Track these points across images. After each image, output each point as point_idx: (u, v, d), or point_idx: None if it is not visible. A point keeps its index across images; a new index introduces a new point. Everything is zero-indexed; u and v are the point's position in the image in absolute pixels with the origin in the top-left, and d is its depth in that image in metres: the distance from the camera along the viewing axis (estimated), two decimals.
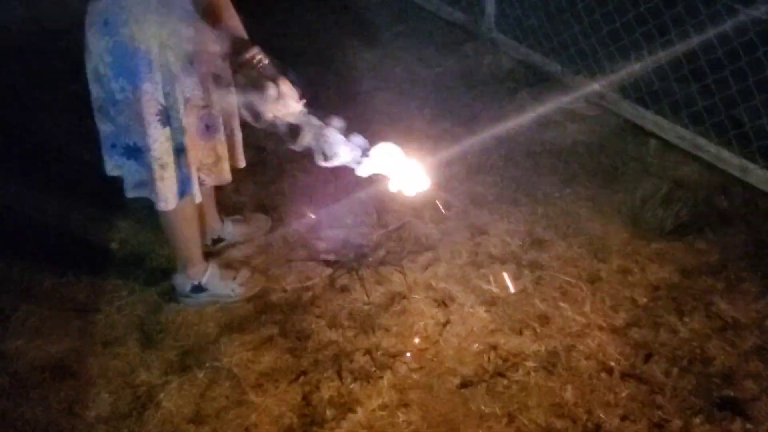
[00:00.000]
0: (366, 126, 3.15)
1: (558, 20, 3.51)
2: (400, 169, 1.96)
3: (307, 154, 2.90)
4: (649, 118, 3.09)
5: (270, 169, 2.98)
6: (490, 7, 3.78)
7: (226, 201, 2.75)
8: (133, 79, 1.82)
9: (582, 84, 3.33)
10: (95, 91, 1.94)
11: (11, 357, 2.26)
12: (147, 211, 2.63)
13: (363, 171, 1.92)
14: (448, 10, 4.04)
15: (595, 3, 3.28)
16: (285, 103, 1.73)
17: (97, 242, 2.67)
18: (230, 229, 2.61)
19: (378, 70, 3.66)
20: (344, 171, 2.56)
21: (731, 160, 2.83)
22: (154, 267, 2.56)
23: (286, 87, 1.71)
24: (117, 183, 2.19)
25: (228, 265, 2.48)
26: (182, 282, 2.37)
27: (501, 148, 3.09)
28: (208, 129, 2.01)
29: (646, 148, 3.05)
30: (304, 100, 1.80)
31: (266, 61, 1.67)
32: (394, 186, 1.98)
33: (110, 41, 1.80)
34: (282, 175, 2.94)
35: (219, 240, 2.59)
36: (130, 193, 2.10)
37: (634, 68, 3.17)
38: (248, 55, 1.65)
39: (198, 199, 2.10)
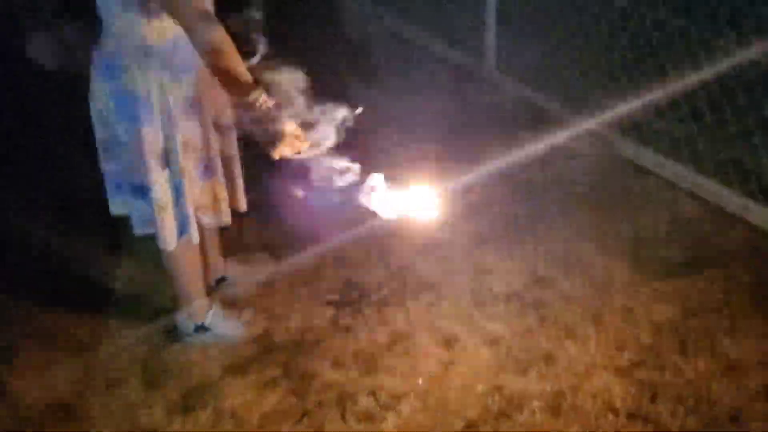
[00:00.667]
0: (368, 165, 3.21)
1: (558, 60, 3.57)
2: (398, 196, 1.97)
3: (309, 194, 2.93)
4: (648, 157, 3.13)
5: (273, 209, 2.99)
6: (491, 48, 3.85)
7: (229, 241, 2.76)
8: (135, 123, 1.86)
9: (582, 123, 3.37)
10: (100, 132, 1.97)
11: (14, 395, 2.25)
12: (151, 249, 2.65)
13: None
14: (449, 50, 4.11)
15: (594, 44, 3.34)
16: (290, 144, 1.74)
17: (101, 280, 2.68)
18: (233, 269, 2.61)
19: (381, 109, 3.69)
20: (347, 211, 2.59)
21: (732, 199, 2.85)
22: (157, 306, 2.56)
23: (290, 127, 1.73)
24: (121, 221, 2.21)
25: (231, 305, 2.48)
26: (185, 322, 2.36)
27: (503, 186, 3.11)
28: (207, 170, 2.04)
29: (646, 186, 3.07)
30: (309, 142, 1.82)
31: (271, 103, 1.69)
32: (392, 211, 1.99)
33: (113, 86, 1.84)
34: (285, 215, 2.96)
35: (222, 280, 2.59)
36: (138, 231, 2.12)
37: (633, 107, 3.21)
38: (251, 97, 1.67)
39: (195, 240, 2.11)
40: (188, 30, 1.68)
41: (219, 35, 1.66)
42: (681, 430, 2.04)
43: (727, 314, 2.42)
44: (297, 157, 1.80)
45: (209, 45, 1.66)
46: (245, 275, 2.63)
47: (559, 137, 3.35)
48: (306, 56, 4.34)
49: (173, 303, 2.52)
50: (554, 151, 3.28)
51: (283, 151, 1.73)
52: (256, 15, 1.83)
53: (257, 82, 1.71)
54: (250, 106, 1.67)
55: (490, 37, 3.83)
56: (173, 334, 2.41)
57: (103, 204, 2.17)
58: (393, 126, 3.56)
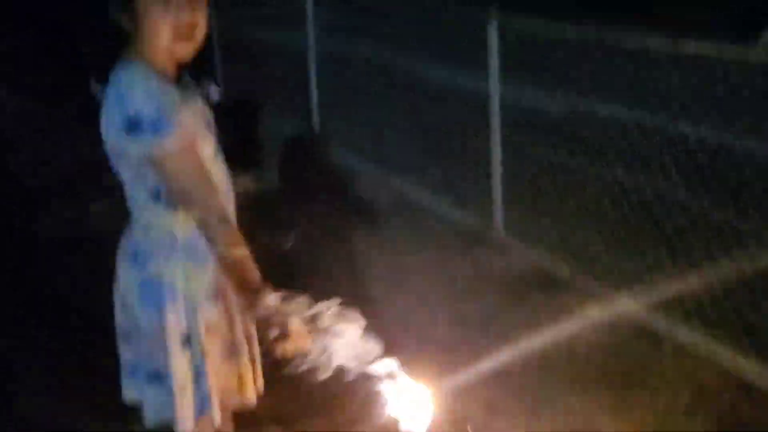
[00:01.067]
0: (381, 334, 3.21)
1: (567, 225, 3.66)
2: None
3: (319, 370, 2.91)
4: (662, 324, 3.12)
5: (286, 381, 2.96)
6: (499, 212, 3.97)
7: (240, 414, 2.70)
8: (158, 309, 1.89)
9: (593, 288, 3.40)
10: (121, 318, 2.00)
11: None
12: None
13: None
14: (457, 214, 4.23)
15: (600, 210, 3.45)
16: (295, 342, 1.78)
17: None
18: None
19: (392, 275, 3.75)
20: (359, 387, 2.57)
21: (750, 369, 2.81)
22: None
23: (296, 326, 1.77)
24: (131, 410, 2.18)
25: None
26: None
27: (516, 354, 3.08)
28: (232, 353, 2.05)
29: (662, 354, 3.04)
30: (313, 338, 1.85)
31: (277, 302, 1.74)
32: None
33: (138, 274, 1.89)
34: (299, 387, 2.91)
35: None
36: (151, 419, 2.08)
37: (644, 274, 3.26)
38: (259, 297, 1.72)
39: (217, 422, 2.08)
40: (204, 230, 1.77)
41: (233, 239, 1.75)
42: None
43: None
44: (301, 355, 1.83)
45: (223, 249, 1.74)
46: None
47: (572, 303, 3.36)
48: (313, 221, 4.46)
49: None
50: (567, 318, 3.28)
51: (287, 349, 1.76)
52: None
53: (265, 283, 1.77)
54: (259, 305, 1.72)
55: (497, 200, 3.96)
56: None
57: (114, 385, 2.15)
58: (404, 292, 3.60)
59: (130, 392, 2.09)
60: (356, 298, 3.57)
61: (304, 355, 1.82)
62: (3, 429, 2.76)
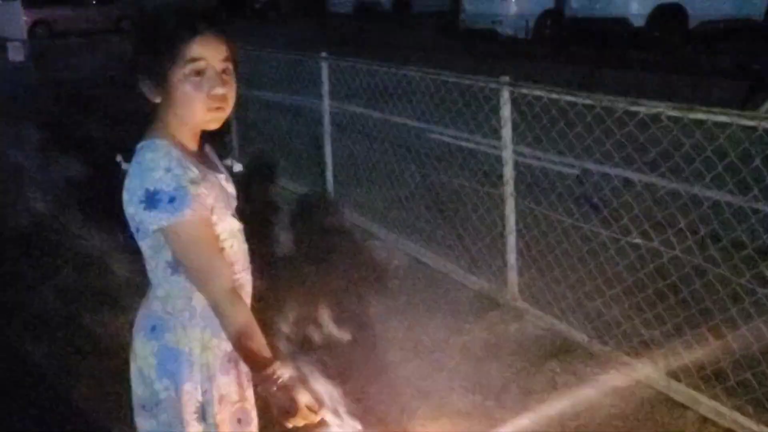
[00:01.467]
0: (396, 400, 3.18)
1: (581, 291, 3.65)
2: None
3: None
4: (683, 392, 3.07)
5: None
6: (513, 277, 3.96)
7: None
8: (175, 380, 1.90)
9: (610, 354, 3.36)
10: (138, 390, 2.00)
11: None
12: None
13: None
14: (472, 278, 4.23)
15: (615, 276, 3.44)
16: (304, 415, 1.77)
17: None
18: None
19: (406, 339, 3.73)
20: None
21: None
22: None
23: (306, 399, 1.77)
24: None
25: None
26: None
27: (533, 423, 3.03)
28: (240, 422, 2.04)
29: (683, 423, 2.98)
30: (325, 412, 1.84)
31: (286, 376, 1.74)
32: None
33: (156, 345, 1.90)
34: None
35: None
36: None
37: (661, 341, 3.22)
38: (268, 371, 1.73)
39: None
40: (214, 307, 1.78)
41: (243, 316, 1.77)
42: None
43: None
44: (311, 427, 1.82)
45: (231, 323, 1.76)
46: None
47: (589, 369, 3.32)
48: (330, 285, 4.47)
49: None
50: (585, 384, 3.24)
51: (297, 422, 1.75)
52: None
53: (276, 356, 1.77)
54: (268, 379, 1.72)
55: (512, 265, 3.96)
56: None
57: None
58: (419, 357, 3.57)
59: None
60: (372, 363, 3.59)
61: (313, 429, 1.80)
62: None
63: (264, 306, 2.14)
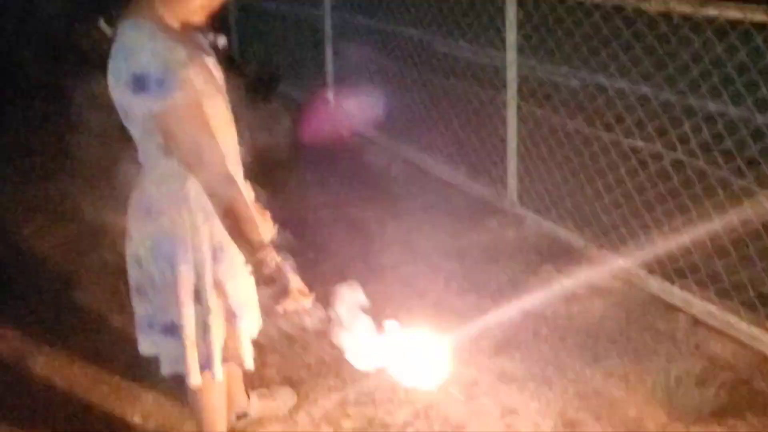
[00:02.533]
0: (392, 299, 3.22)
1: (580, 196, 3.63)
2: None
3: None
4: (676, 294, 3.09)
5: (297, 343, 2.98)
6: (513, 183, 3.94)
7: (252, 374, 2.72)
8: (171, 262, 1.91)
9: (606, 258, 3.38)
10: (134, 273, 2.01)
11: None
12: (172, 385, 2.62)
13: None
14: (472, 184, 4.21)
15: (615, 181, 3.41)
16: (295, 299, 1.78)
17: (120, 415, 2.63)
18: (255, 404, 2.56)
19: (405, 243, 3.75)
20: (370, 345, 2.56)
21: (764, 339, 2.78)
22: None
23: (296, 284, 1.78)
24: (145, 357, 2.20)
25: None
26: None
27: (528, 323, 3.08)
28: (235, 317, 2.06)
29: (675, 324, 3.02)
30: (313, 296, 1.86)
31: (278, 260, 1.75)
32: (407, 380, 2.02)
33: (151, 227, 1.90)
34: (308, 349, 2.93)
35: (244, 415, 2.54)
36: (167, 370, 2.10)
37: (657, 244, 3.22)
38: (260, 255, 1.73)
39: (218, 377, 2.09)
40: (206, 189, 1.76)
41: (236, 198, 1.75)
42: None
43: None
44: (301, 312, 1.84)
45: (224, 207, 1.74)
46: (267, 411, 2.57)
47: (585, 273, 3.34)
48: (329, 191, 4.48)
49: None
50: (580, 288, 3.26)
51: (287, 306, 1.77)
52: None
53: (267, 242, 1.77)
54: (260, 263, 1.73)
55: (511, 170, 3.93)
56: None
57: (126, 338, 2.18)
58: (417, 260, 3.59)
59: (146, 346, 2.11)
60: (371, 265, 3.62)
61: (304, 311, 1.82)
62: (21, 386, 2.79)
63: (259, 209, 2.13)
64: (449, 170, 4.39)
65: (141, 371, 2.74)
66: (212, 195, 1.77)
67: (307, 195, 4.23)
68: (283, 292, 1.74)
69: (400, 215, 4.04)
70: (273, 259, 1.73)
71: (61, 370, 2.85)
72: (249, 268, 1.79)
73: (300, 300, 1.75)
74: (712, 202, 3.02)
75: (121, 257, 2.05)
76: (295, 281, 1.77)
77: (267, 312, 2.04)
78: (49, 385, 2.78)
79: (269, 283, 1.75)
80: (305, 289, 1.78)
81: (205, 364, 2.05)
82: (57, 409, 2.66)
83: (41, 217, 4.12)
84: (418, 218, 4.00)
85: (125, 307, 2.91)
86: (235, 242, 1.80)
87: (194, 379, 2.06)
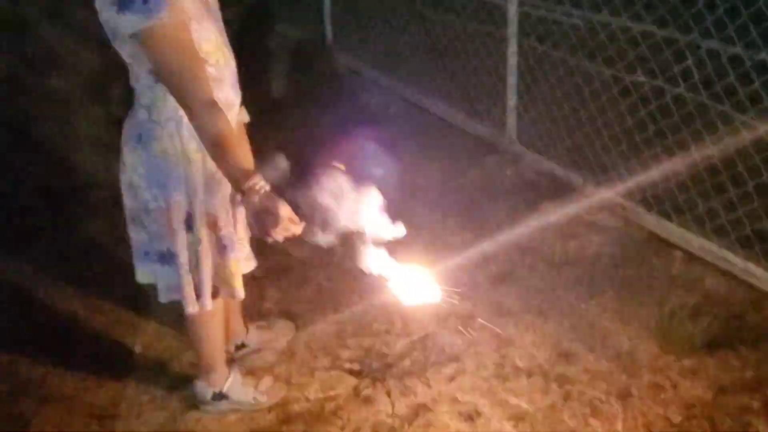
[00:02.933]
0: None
1: (579, 134, 3.60)
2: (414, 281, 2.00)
3: (332, 263, 2.94)
4: (673, 231, 3.10)
5: (295, 276, 3.00)
6: (512, 121, 3.90)
7: (250, 307, 2.75)
8: (165, 189, 1.90)
9: (604, 196, 3.37)
10: (129, 201, 2.01)
11: None
12: (172, 315, 2.65)
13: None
14: (470, 123, 4.17)
15: (615, 118, 3.38)
16: (285, 228, 1.76)
17: (120, 345, 2.67)
18: (254, 335, 2.59)
19: (402, 181, 3.72)
20: (368, 279, 2.58)
21: (759, 275, 2.80)
22: (176, 373, 2.54)
23: (286, 211, 1.75)
24: (144, 287, 2.22)
25: (250, 373, 2.45)
26: (203, 389, 2.33)
27: (524, 258, 3.10)
28: (225, 249, 2.06)
29: (671, 260, 3.03)
30: (303, 223, 1.84)
31: (267, 188, 1.72)
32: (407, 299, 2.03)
33: (144, 154, 1.89)
34: (306, 282, 2.95)
35: (242, 346, 2.57)
36: (164, 298, 2.12)
37: (655, 181, 3.21)
38: (249, 184, 1.70)
39: (207, 306, 2.11)
40: (191, 118, 1.73)
41: (221, 126, 1.71)
42: None
43: (759, 394, 2.35)
44: (291, 240, 1.82)
45: (210, 135, 1.71)
46: (265, 342, 2.61)
47: (582, 210, 3.34)
48: (327, 129, 4.44)
49: (191, 370, 2.50)
50: (577, 224, 3.27)
51: (277, 234, 1.75)
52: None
53: (255, 170, 1.74)
54: (249, 191, 1.70)
55: (511, 108, 3.89)
56: (191, 401, 2.38)
57: (124, 269, 2.19)
58: (415, 197, 3.59)
59: (142, 276, 2.12)
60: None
61: (296, 239, 1.81)
62: (22, 319, 2.82)
63: (255, 148, 2.10)
64: (448, 109, 4.35)
65: (140, 302, 2.78)
66: (195, 122, 1.74)
67: (304, 134, 4.19)
68: (274, 220, 1.72)
69: (398, 154, 4.00)
70: (262, 187, 1.71)
71: (60, 302, 2.88)
72: (238, 198, 1.77)
73: (291, 228, 1.73)
74: (712, 139, 3.00)
75: (117, 188, 2.04)
76: (285, 210, 1.74)
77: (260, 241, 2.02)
78: (50, 317, 2.81)
79: (258, 211, 1.72)
80: (295, 217, 1.76)
81: (198, 294, 2.07)
82: (58, 340, 2.69)
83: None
84: (416, 157, 3.98)
85: (123, 240, 2.94)
86: (222, 171, 1.78)
87: (191, 307, 2.08)
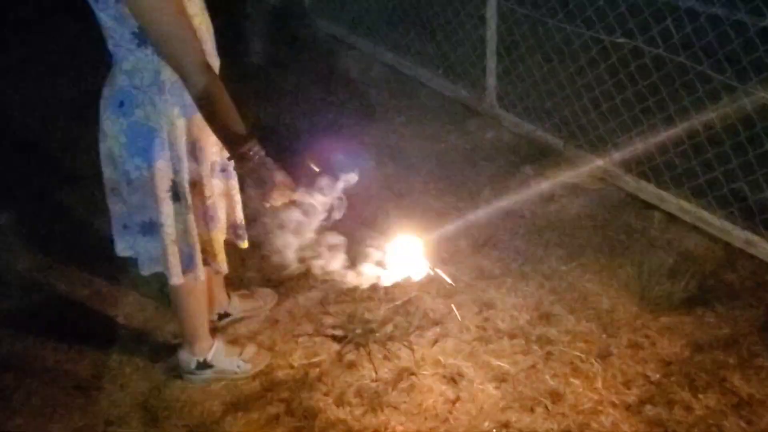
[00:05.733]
0: (370, 201, 3.22)
1: (559, 96, 3.59)
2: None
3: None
4: (651, 192, 3.12)
5: (275, 245, 2.98)
6: (492, 84, 3.88)
7: (232, 274, 2.73)
8: (148, 158, 1.86)
9: (584, 158, 3.38)
10: (108, 172, 1.97)
11: None
12: (153, 285, 2.64)
13: None
14: (450, 86, 4.14)
15: (595, 80, 3.37)
16: (281, 193, 1.75)
17: (102, 317, 2.66)
18: (236, 304, 2.59)
19: (383, 146, 3.71)
20: (350, 245, 2.57)
21: (736, 233, 2.84)
22: (158, 343, 2.54)
23: (281, 177, 1.74)
24: (124, 259, 2.20)
25: (233, 341, 2.46)
26: (187, 358, 2.34)
27: (505, 222, 3.11)
28: (212, 220, 2.04)
29: (649, 221, 3.06)
30: (300, 188, 1.82)
31: (262, 153, 1.70)
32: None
33: (125, 122, 1.84)
34: (288, 250, 2.94)
35: (225, 315, 2.57)
36: (146, 270, 2.10)
37: (634, 143, 3.23)
38: (244, 148, 1.68)
39: (201, 277, 2.10)
40: (183, 77, 1.69)
41: (213, 85, 1.68)
42: None
43: (735, 350, 2.40)
44: (287, 205, 1.81)
45: (203, 94, 1.67)
46: (248, 310, 2.61)
47: (563, 173, 3.35)
48: (306, 94, 4.39)
49: (174, 339, 2.50)
50: (558, 187, 3.28)
51: (273, 199, 1.74)
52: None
53: (250, 133, 1.72)
54: (243, 157, 1.68)
55: (491, 71, 3.87)
56: (175, 370, 2.38)
57: (103, 241, 2.17)
58: (395, 162, 3.57)
59: (121, 247, 2.10)
60: (345, 168, 3.58)
61: (292, 204, 1.80)
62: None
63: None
64: (428, 73, 4.31)
65: (120, 274, 2.76)
66: (188, 82, 1.70)
67: (283, 100, 4.14)
68: (269, 185, 1.69)
69: (378, 118, 3.98)
70: (256, 152, 1.68)
71: (38, 277, 2.85)
72: (232, 162, 1.74)
73: (287, 193, 1.71)
74: (690, 100, 3.00)
75: (95, 162, 2.01)
76: (279, 174, 1.72)
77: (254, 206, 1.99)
78: (28, 291, 2.78)
79: (254, 176, 1.70)
80: (291, 182, 1.73)
81: (187, 265, 2.05)
82: (37, 314, 2.67)
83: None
84: (396, 121, 3.96)
85: (100, 211, 2.90)
86: (216, 135, 1.75)
87: (176, 278, 2.06)
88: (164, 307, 2.64)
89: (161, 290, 2.60)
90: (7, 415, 2.25)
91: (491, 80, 3.86)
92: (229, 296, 2.58)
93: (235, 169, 1.76)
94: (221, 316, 2.56)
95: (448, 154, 3.65)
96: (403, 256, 2.31)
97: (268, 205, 1.75)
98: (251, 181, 1.72)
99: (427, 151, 3.68)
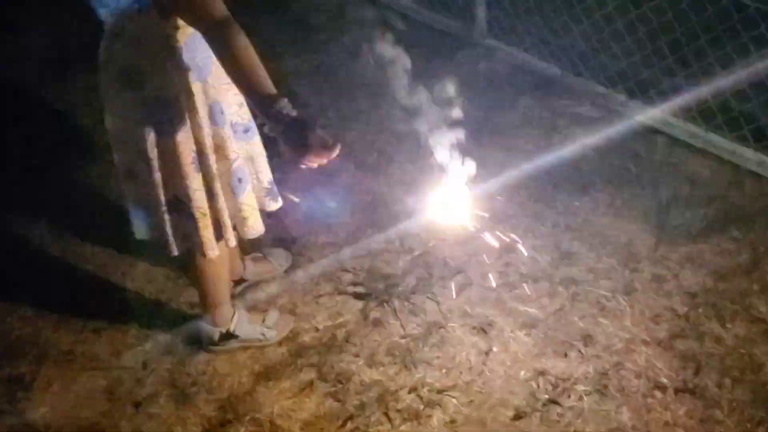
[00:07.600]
0: (372, 145, 3.12)
1: (555, 23, 3.46)
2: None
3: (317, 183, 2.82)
4: (657, 117, 3.06)
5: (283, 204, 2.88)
6: (481, 13, 3.72)
7: (241, 239, 2.65)
8: (166, 131, 1.73)
9: (584, 86, 3.30)
10: (121, 156, 1.84)
11: (37, 425, 2.14)
12: (159, 258, 2.54)
13: None
14: (437, 18, 3.97)
15: (594, 3, 3.23)
16: (318, 154, 1.61)
17: (111, 292, 2.56)
18: (251, 268, 2.51)
19: (375, 85, 3.57)
20: (362, 199, 2.48)
21: (746, 155, 2.82)
22: (174, 314, 2.46)
23: (316, 138, 1.60)
24: (127, 230, 2.08)
25: (254, 308, 2.39)
26: (210, 330, 2.27)
27: (511, 159, 3.03)
28: (240, 182, 1.93)
29: (657, 147, 3.02)
30: (338, 147, 1.69)
31: (294, 113, 1.57)
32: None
33: (135, 95, 1.70)
34: (297, 205, 2.84)
35: (241, 281, 2.50)
36: (176, 250, 1.99)
37: (638, 67, 3.14)
38: (276, 108, 1.54)
39: (232, 243, 2.02)
40: (207, 36, 1.54)
41: (241, 42, 1.53)
42: (730, 400, 2.04)
43: (757, 275, 2.41)
44: (324, 166, 1.68)
45: (231, 54, 1.52)
46: (263, 273, 2.53)
47: (563, 102, 3.27)
48: (293, 36, 4.16)
49: (191, 309, 2.43)
50: (558, 117, 3.21)
51: (310, 160, 1.61)
52: None
53: (281, 91, 1.57)
54: (275, 116, 1.54)
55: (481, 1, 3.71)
56: (197, 342, 2.32)
57: (105, 214, 2.04)
58: (389, 102, 3.42)
59: (145, 231, 1.98)
60: (343, 112, 3.46)
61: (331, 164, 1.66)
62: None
63: None
64: (413, 5, 4.12)
65: (124, 246, 2.65)
66: (216, 43, 1.54)
67: (267, 41, 3.93)
68: (304, 146, 1.56)
69: (366, 56, 3.82)
70: (290, 112, 1.54)
71: (43, 254, 2.72)
72: (265, 124, 1.60)
73: (324, 154, 1.57)
74: (697, 21, 2.90)
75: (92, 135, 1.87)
76: (317, 135, 1.58)
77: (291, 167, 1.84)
78: (32, 269, 2.66)
79: (288, 137, 1.56)
80: (329, 141, 1.59)
81: (218, 234, 1.95)
82: (44, 293, 2.56)
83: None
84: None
85: (103, 188, 2.76)
86: (247, 96, 1.60)
87: (211, 251, 1.97)
88: (175, 277, 2.55)
89: (169, 259, 2.50)
90: (30, 406, 2.18)
91: (481, 8, 3.69)
92: (243, 261, 2.50)
93: (268, 131, 1.61)
94: (237, 283, 2.49)
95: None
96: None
97: (305, 167, 1.61)
98: (282, 141, 1.58)
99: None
